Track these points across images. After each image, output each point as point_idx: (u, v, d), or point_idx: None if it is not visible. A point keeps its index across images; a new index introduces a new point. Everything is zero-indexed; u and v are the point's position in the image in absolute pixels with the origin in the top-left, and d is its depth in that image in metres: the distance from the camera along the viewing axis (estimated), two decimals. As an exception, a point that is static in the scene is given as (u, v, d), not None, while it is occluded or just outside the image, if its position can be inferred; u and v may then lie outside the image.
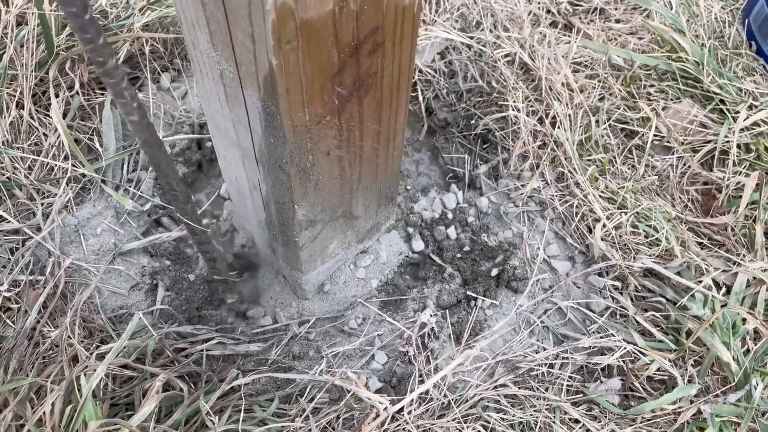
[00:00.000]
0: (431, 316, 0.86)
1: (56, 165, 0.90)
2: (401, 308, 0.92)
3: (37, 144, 0.92)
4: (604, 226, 0.90)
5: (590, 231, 0.91)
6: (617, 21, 1.22)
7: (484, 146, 1.04)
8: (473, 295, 0.90)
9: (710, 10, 1.25)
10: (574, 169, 0.95)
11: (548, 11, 1.22)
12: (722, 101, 1.06)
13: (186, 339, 0.83)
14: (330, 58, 0.54)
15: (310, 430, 0.71)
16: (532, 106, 1.02)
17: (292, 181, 0.65)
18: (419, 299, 0.92)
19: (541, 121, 1.00)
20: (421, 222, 1.00)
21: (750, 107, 1.05)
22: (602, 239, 0.90)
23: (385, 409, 0.70)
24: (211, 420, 0.68)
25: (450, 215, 1.00)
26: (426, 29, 1.10)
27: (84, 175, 0.91)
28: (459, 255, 0.96)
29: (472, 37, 1.09)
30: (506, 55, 1.08)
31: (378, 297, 0.93)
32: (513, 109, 0.99)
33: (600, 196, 0.93)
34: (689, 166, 1.01)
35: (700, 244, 0.95)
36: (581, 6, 1.24)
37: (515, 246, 0.94)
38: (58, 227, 0.86)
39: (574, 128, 0.99)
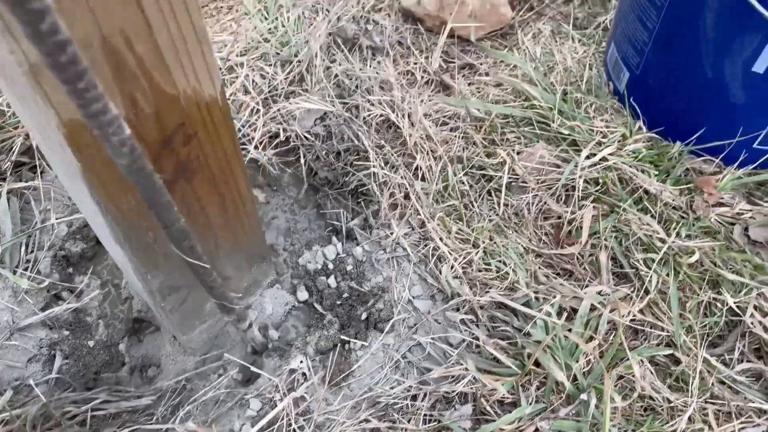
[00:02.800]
0: (300, 362, 0.95)
1: (-42, 253, 0.99)
2: (285, 356, 1.00)
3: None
4: (453, 266, 1.00)
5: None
6: (486, 74, 1.34)
7: (359, 200, 1.15)
8: (346, 338, 0.99)
9: (573, 56, 1.37)
10: (431, 215, 1.05)
11: (424, 70, 1.34)
12: (574, 141, 1.17)
13: (76, 403, 0.90)
14: (139, 153, 0.64)
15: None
16: (397, 161, 1.12)
17: (136, 256, 0.74)
18: (302, 346, 1.01)
19: (404, 174, 1.10)
20: (305, 274, 1.09)
21: (598, 144, 1.16)
22: (455, 277, 0.99)
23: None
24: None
25: (331, 265, 1.09)
26: (306, 98, 1.22)
27: (-17, 260, 1.00)
28: (339, 302, 1.05)
29: (347, 102, 1.21)
30: (377, 116, 1.19)
31: (258, 356, 1.01)
32: (379, 167, 1.09)
33: (455, 238, 1.03)
34: (545, 203, 1.11)
35: (556, 274, 1.04)
36: (453, 63, 1.37)
37: (384, 290, 1.03)
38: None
39: (433, 178, 1.09)
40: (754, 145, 1.14)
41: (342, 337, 1.00)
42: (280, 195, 1.20)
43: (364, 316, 1.01)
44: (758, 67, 1.00)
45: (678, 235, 1.06)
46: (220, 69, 1.27)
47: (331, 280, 1.07)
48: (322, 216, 1.19)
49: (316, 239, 1.14)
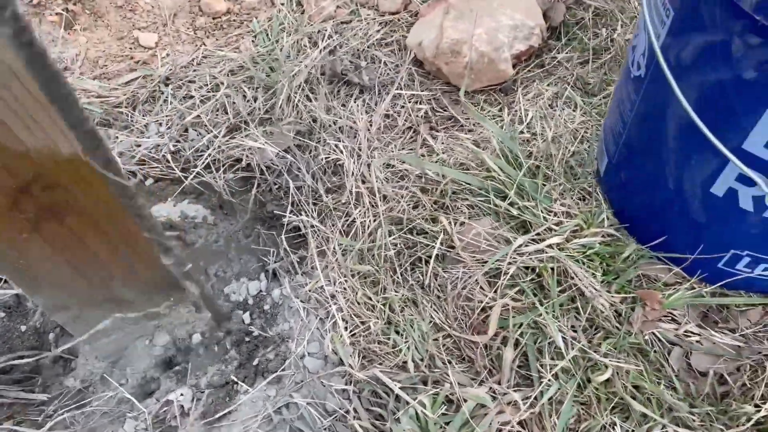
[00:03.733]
0: (181, 395, 0.98)
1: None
2: (180, 381, 1.04)
3: None
4: (353, 331, 0.99)
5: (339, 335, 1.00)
6: (469, 131, 1.30)
7: (296, 241, 1.16)
8: (235, 379, 1.01)
9: (569, 125, 1.30)
10: (345, 274, 1.04)
11: (407, 117, 1.32)
12: (525, 223, 1.12)
13: (-25, 387, 0.99)
14: (-8, 198, 0.69)
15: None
16: (335, 211, 1.12)
17: (13, 278, 0.80)
18: (198, 376, 1.04)
19: (333, 226, 1.10)
20: (227, 304, 1.12)
21: (549, 230, 1.10)
22: (351, 344, 0.99)
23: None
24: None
25: (251, 301, 1.11)
26: (271, 132, 1.24)
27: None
28: (246, 339, 1.07)
29: (310, 141, 1.22)
30: (333, 161, 1.19)
31: (162, 371, 1.06)
32: (310, 215, 1.10)
33: (362, 303, 1.02)
34: (477, 281, 1.07)
35: (460, 359, 1.01)
36: (440, 113, 1.33)
37: (285, 339, 1.04)
38: None
39: (362, 237, 1.08)
40: (719, 265, 1.04)
41: (232, 377, 1.02)
42: (228, 220, 1.23)
43: (255, 362, 1.02)
44: (716, 190, 0.92)
45: (597, 346, 0.99)
46: (204, 86, 1.31)
47: (246, 316, 1.09)
48: (257, 248, 1.21)
49: (246, 271, 1.17)
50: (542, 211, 1.12)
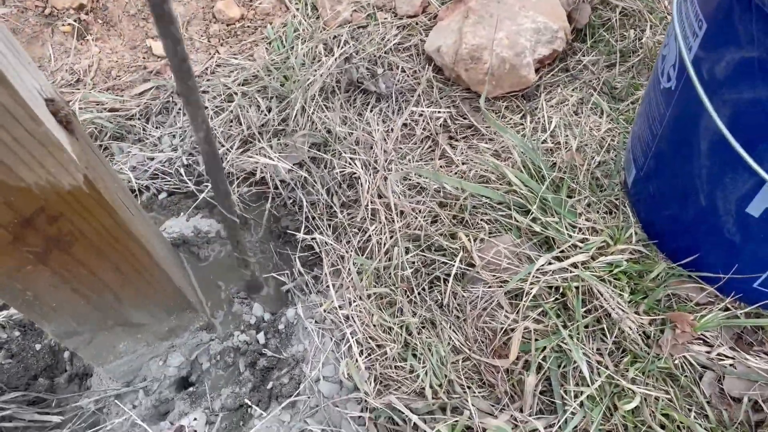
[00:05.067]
0: (194, 419, 0.96)
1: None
2: (194, 404, 1.02)
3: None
4: (369, 355, 0.96)
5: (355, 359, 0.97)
6: (490, 140, 1.26)
7: (310, 258, 1.13)
8: (249, 403, 0.99)
9: (595, 133, 1.25)
10: (361, 296, 1.01)
11: (425, 126, 1.28)
12: (548, 239, 1.07)
13: (-10, 410, 0.98)
14: (-7, 232, 0.67)
15: None
16: (350, 228, 1.09)
17: (21, 311, 0.78)
18: (212, 398, 1.02)
19: (348, 245, 1.07)
20: (240, 323, 1.10)
21: (574, 247, 1.06)
22: (366, 369, 0.96)
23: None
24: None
25: (267, 318, 1.09)
26: (285, 145, 1.21)
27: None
28: (260, 361, 1.05)
29: (325, 154, 1.18)
30: (349, 174, 1.15)
31: (176, 392, 1.04)
32: (325, 233, 1.07)
33: (378, 326, 0.99)
34: (498, 302, 1.03)
35: (480, 383, 0.98)
36: (459, 121, 1.29)
37: (299, 361, 1.01)
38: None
39: (378, 255, 1.05)
40: (755, 285, 0.98)
41: (246, 400, 1.00)
42: (243, 233, 1.20)
43: (269, 385, 1.00)
44: (753, 210, 0.86)
45: (624, 371, 0.95)
46: (217, 96, 1.29)
47: (260, 336, 1.07)
48: (271, 265, 1.19)
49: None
50: (566, 227, 1.07)
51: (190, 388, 1.04)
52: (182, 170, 1.21)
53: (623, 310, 1.00)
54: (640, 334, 0.98)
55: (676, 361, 0.98)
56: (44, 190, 0.66)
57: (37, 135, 0.60)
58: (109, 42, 1.36)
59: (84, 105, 1.24)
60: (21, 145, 0.60)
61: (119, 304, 0.88)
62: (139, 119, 1.27)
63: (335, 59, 1.30)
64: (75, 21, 1.36)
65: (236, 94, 1.28)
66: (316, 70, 1.29)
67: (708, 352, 0.99)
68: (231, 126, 1.24)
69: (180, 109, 1.28)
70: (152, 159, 1.20)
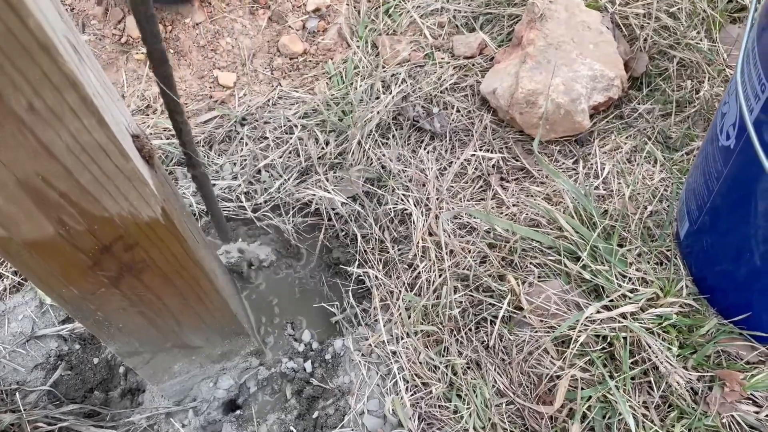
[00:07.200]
0: (241, 445, 0.99)
1: None
2: (243, 426, 1.05)
3: None
4: (414, 393, 0.97)
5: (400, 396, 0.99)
6: (541, 183, 1.27)
7: (360, 291, 1.15)
8: (294, 431, 1.02)
9: (648, 182, 1.25)
10: (408, 333, 1.03)
11: (476, 167, 1.30)
12: (598, 287, 1.08)
13: (48, 420, 1.03)
14: (76, 258, 0.71)
15: None
16: (400, 264, 1.11)
17: (89, 329, 0.83)
18: (258, 424, 1.05)
19: (398, 280, 1.09)
20: (290, 349, 1.13)
21: (623, 296, 1.06)
22: (411, 406, 0.97)
23: None
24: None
25: (313, 348, 1.12)
26: (341, 178, 1.24)
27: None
28: (306, 389, 1.08)
29: (378, 189, 1.22)
30: (401, 210, 1.18)
31: (224, 414, 1.07)
32: (376, 267, 1.09)
33: (426, 362, 1.01)
34: (544, 347, 1.04)
35: (523, 429, 0.98)
36: (511, 163, 1.31)
37: (345, 393, 1.04)
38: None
39: (426, 293, 1.07)
40: (810, 348, 0.97)
41: (291, 427, 1.02)
42: (294, 264, 1.24)
43: (315, 415, 1.02)
44: (811, 273, 0.85)
45: (671, 427, 0.94)
46: (278, 128, 1.34)
47: (308, 365, 1.10)
48: (321, 295, 1.22)
49: (310, 318, 1.17)
50: (616, 276, 1.08)
51: (237, 411, 1.08)
52: (242, 197, 1.25)
53: (671, 364, 0.99)
54: (687, 390, 0.98)
55: (724, 420, 0.96)
56: (125, 221, 0.70)
57: (125, 170, 0.65)
58: (179, 71, 1.43)
59: (153, 131, 1.31)
60: (109, 179, 0.64)
61: (179, 327, 0.92)
62: (203, 146, 1.32)
63: (392, 97, 1.34)
64: (149, 50, 1.43)
65: (296, 126, 1.33)
66: (373, 107, 1.33)
67: (756, 413, 0.98)
68: (290, 157, 1.29)
69: (242, 138, 1.33)
70: (214, 185, 1.25)
